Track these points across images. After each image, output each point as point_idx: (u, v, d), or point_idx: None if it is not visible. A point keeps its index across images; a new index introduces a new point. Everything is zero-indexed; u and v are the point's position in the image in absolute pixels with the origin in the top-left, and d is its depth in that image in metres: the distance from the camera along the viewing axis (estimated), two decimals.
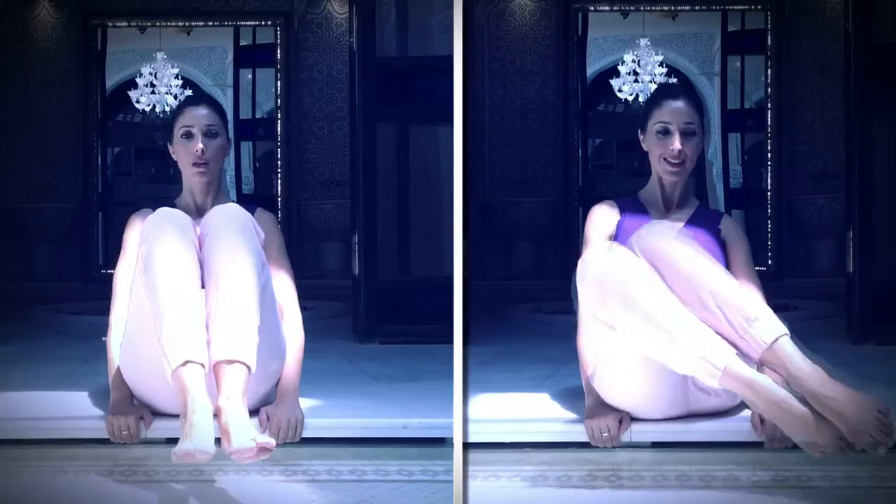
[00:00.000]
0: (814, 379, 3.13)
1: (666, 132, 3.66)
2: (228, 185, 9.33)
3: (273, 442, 3.07)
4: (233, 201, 3.78)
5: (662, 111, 3.67)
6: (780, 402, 3.11)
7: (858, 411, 3.09)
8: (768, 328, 3.16)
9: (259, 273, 3.33)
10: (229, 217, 3.39)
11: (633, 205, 3.76)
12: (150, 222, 3.36)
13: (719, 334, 3.16)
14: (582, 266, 3.29)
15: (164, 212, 3.39)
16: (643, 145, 3.73)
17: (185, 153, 3.67)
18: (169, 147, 3.75)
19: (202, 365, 3.15)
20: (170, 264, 3.25)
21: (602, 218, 3.73)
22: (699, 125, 3.68)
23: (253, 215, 3.62)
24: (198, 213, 3.68)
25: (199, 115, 3.68)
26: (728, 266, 3.54)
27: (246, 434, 3.04)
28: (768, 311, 3.21)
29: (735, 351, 3.15)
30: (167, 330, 3.17)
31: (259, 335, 3.25)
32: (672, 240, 3.29)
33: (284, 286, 3.65)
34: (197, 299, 3.24)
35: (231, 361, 3.17)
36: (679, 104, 3.68)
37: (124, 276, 3.64)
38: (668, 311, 3.16)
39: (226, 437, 3.04)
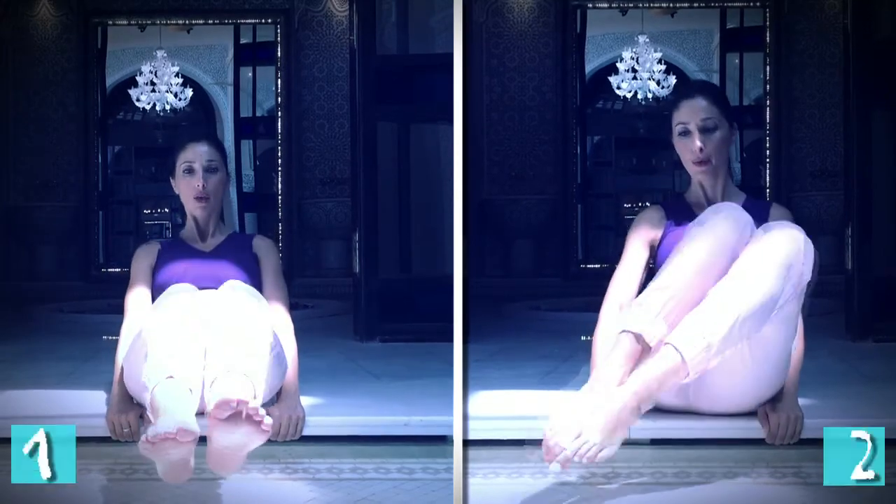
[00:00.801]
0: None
1: (686, 132, 3.62)
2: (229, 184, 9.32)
3: (266, 420, 3.04)
4: (234, 231, 4.04)
5: (680, 112, 3.64)
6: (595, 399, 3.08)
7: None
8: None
9: (269, 338, 3.46)
10: (239, 298, 3.49)
11: (679, 207, 3.72)
12: (159, 303, 3.49)
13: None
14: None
15: (173, 292, 3.52)
16: (675, 148, 3.70)
17: (187, 188, 3.87)
18: (171, 180, 3.93)
19: (189, 390, 3.19)
20: (164, 336, 3.32)
21: (645, 225, 3.69)
22: (721, 118, 3.61)
23: (252, 241, 3.92)
24: (201, 238, 3.92)
25: (200, 152, 3.87)
26: None
27: (230, 388, 3.08)
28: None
29: (651, 337, 3.13)
30: (150, 361, 3.26)
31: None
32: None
33: (278, 313, 3.75)
34: (188, 351, 3.31)
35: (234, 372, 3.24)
36: (694, 101, 3.63)
37: (134, 301, 3.78)
38: (670, 267, 3.21)
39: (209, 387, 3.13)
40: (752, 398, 3.40)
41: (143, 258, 3.84)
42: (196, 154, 3.86)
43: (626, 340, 3.12)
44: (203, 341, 3.33)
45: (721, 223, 3.27)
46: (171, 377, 3.17)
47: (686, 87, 3.83)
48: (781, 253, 3.23)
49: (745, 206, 3.60)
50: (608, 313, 3.55)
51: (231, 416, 3.01)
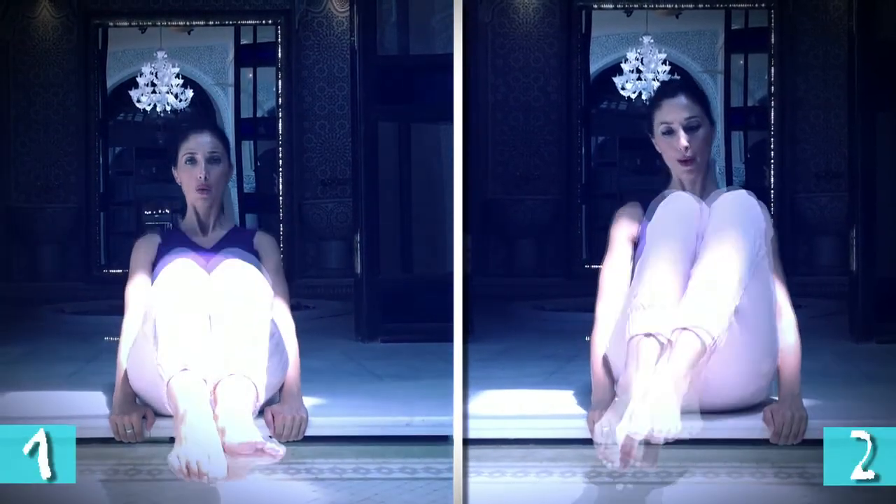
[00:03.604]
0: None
1: (670, 132, 3.66)
2: (230, 184, 9.32)
3: (279, 451, 3.06)
4: (235, 224, 3.99)
5: (663, 111, 3.68)
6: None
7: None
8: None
9: (269, 323, 3.44)
10: (240, 277, 3.45)
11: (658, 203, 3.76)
12: (161, 280, 3.42)
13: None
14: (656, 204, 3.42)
15: (176, 267, 3.44)
16: (657, 148, 3.74)
17: (189, 178, 3.83)
18: (173, 170, 3.91)
19: (203, 380, 3.19)
20: (175, 320, 3.30)
21: (626, 222, 3.74)
22: (703, 117, 3.66)
23: (254, 238, 3.88)
24: (201, 230, 3.88)
25: (202, 142, 3.84)
26: None
27: (244, 431, 3.06)
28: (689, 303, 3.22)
29: (667, 330, 3.18)
30: (163, 349, 3.23)
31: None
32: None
33: (279, 306, 3.73)
34: (200, 338, 3.29)
35: (236, 376, 3.23)
36: (678, 101, 3.67)
37: (134, 292, 3.75)
38: (655, 259, 3.28)
39: (221, 435, 3.07)
40: (749, 382, 3.43)
41: (143, 252, 3.81)
42: (198, 144, 3.82)
43: (648, 345, 3.18)
44: (208, 324, 3.30)
45: (676, 205, 3.38)
46: (186, 369, 3.17)
47: (666, 87, 3.87)
48: (744, 213, 3.35)
49: None
50: (604, 314, 3.58)
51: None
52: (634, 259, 3.63)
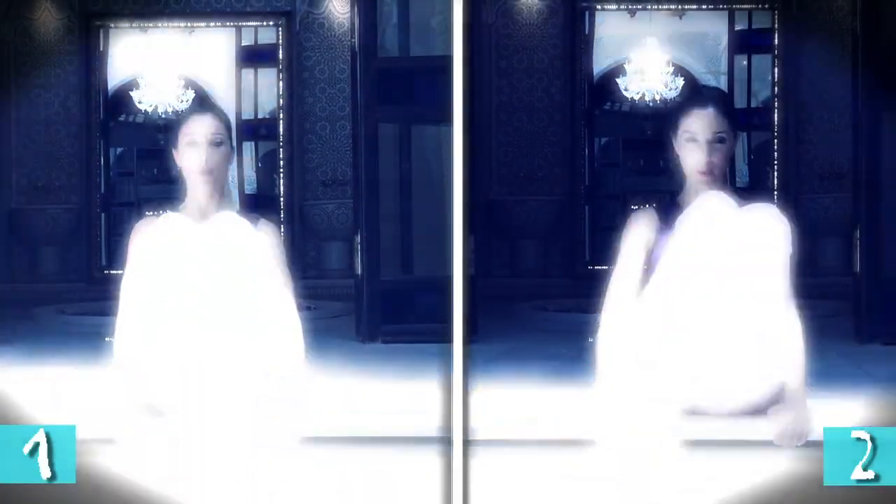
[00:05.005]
0: None
1: (694, 141, 3.65)
2: (231, 186, 9.32)
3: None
4: (234, 208, 3.87)
5: (690, 120, 3.64)
6: None
7: None
8: None
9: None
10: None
11: (673, 211, 3.76)
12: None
13: None
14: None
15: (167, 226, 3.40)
16: (675, 149, 3.72)
17: (191, 161, 3.72)
18: (174, 152, 3.79)
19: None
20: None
21: (640, 228, 3.73)
22: (728, 131, 3.65)
23: (256, 224, 3.75)
24: (202, 216, 3.73)
25: (204, 125, 3.73)
26: None
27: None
28: None
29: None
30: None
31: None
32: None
33: (284, 299, 3.73)
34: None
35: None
36: (706, 112, 3.64)
37: (129, 285, 3.66)
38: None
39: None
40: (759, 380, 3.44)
41: (141, 241, 3.66)
42: (200, 127, 3.71)
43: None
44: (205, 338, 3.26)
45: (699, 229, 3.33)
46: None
47: (698, 96, 3.78)
48: (784, 250, 3.38)
49: None
50: (609, 319, 3.57)
51: None
52: (648, 265, 3.63)
